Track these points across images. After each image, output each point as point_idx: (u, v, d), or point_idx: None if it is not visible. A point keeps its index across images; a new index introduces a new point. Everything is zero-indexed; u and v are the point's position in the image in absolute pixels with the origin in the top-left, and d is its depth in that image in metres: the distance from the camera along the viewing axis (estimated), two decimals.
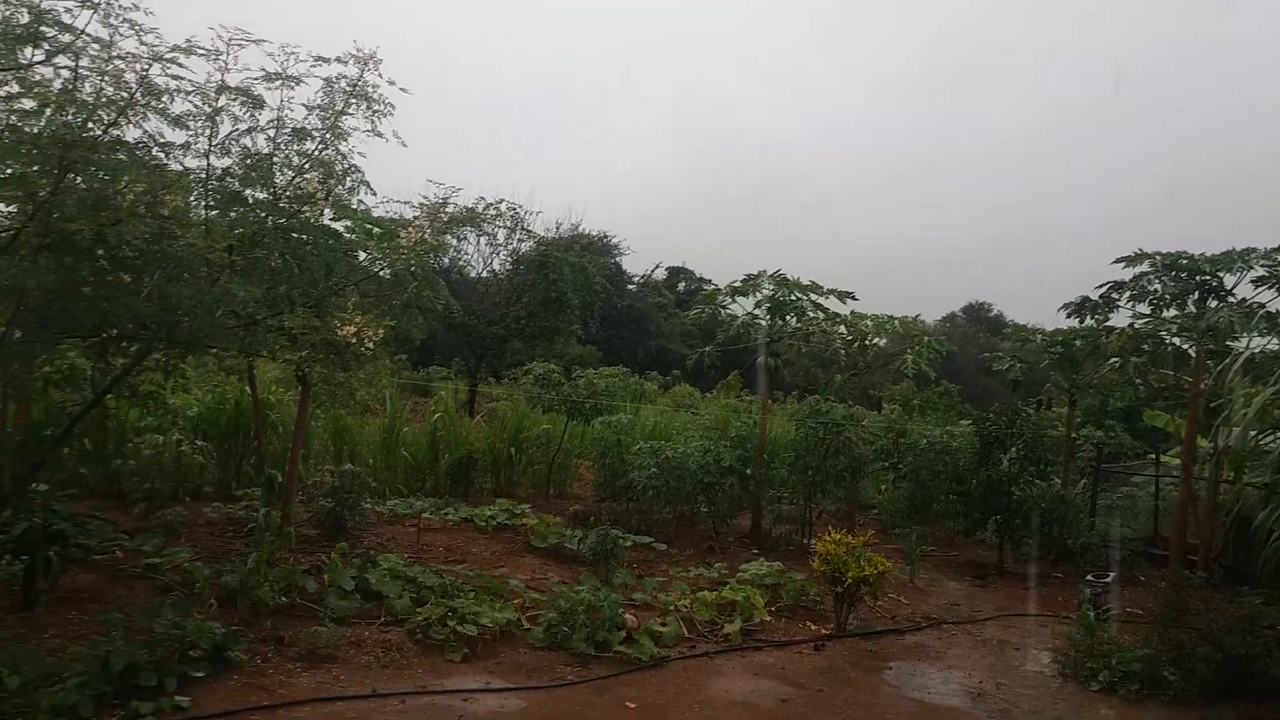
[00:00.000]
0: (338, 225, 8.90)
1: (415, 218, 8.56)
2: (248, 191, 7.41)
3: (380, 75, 7.31)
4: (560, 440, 15.31)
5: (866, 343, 15.38)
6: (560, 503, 14.55)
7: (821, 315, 14.41)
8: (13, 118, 6.01)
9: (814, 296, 14.10)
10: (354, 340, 7.55)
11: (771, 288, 13.95)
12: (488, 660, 7.46)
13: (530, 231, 25.14)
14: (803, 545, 12.76)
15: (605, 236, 44.85)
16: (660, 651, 7.98)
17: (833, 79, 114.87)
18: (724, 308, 14.99)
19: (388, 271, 8.51)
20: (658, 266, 55.26)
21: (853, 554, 9.08)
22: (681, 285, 57.10)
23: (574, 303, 23.95)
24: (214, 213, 7.40)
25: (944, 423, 18.67)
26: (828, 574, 9.13)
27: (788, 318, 14.19)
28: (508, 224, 24.03)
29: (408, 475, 13.97)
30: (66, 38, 6.01)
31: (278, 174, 7.32)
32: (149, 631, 6.48)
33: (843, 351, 15.61)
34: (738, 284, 14.35)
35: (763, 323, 14.31)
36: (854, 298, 14.35)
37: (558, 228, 30.88)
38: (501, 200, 22.93)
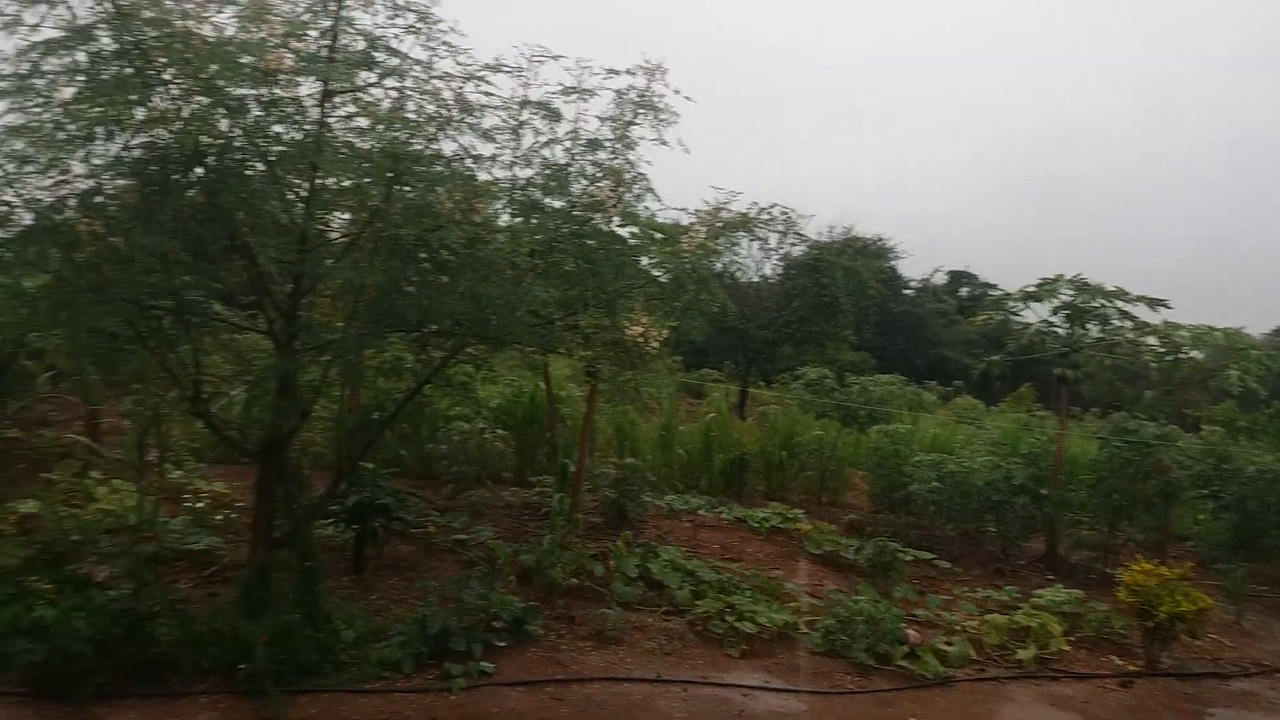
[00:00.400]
0: (622, 231, 9.28)
1: (692, 223, 8.72)
2: (546, 200, 7.89)
3: (666, 85, 7.53)
4: (833, 447, 15.05)
5: (1181, 356, 13.80)
6: (833, 511, 14.31)
7: (1129, 324, 13.10)
8: (349, 136, 6.78)
9: (1120, 303, 12.85)
10: (641, 339, 7.84)
11: (1070, 293, 12.88)
12: (765, 659, 7.48)
13: (802, 235, 24.82)
14: (1104, 574, 11.67)
15: (880, 239, 43.42)
16: (946, 671, 7.64)
17: (1157, 62, 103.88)
18: (1014, 314, 14.05)
19: (668, 275, 8.75)
20: (937, 270, 52.79)
21: (1166, 587, 8.21)
22: (964, 290, 54.17)
23: (846, 307, 23.43)
24: (517, 220, 7.95)
25: (1276, 448, 16.37)
26: (1136, 606, 8.32)
27: (1088, 326, 13.05)
28: (780, 228, 23.95)
29: (683, 472, 14.30)
30: (394, 61, 6.64)
31: (573, 183, 7.72)
32: (458, 601, 7.10)
33: (1153, 365, 14.13)
34: (1031, 289, 13.38)
35: (1059, 331, 13.27)
36: (1167, 306, 12.98)
37: (830, 231, 30.23)
38: (774, 204, 23.00)
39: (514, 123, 7.28)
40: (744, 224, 9.66)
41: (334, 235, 7.40)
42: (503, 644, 6.92)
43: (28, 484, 8.84)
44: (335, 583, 7.78)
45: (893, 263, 44.30)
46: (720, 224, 8.80)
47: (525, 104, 7.20)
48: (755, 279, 26.64)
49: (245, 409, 9.54)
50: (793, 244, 25.29)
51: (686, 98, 7.53)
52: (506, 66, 6.88)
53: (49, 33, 5.55)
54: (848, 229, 31.54)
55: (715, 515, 12.30)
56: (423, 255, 6.78)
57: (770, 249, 25.72)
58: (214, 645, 6.14)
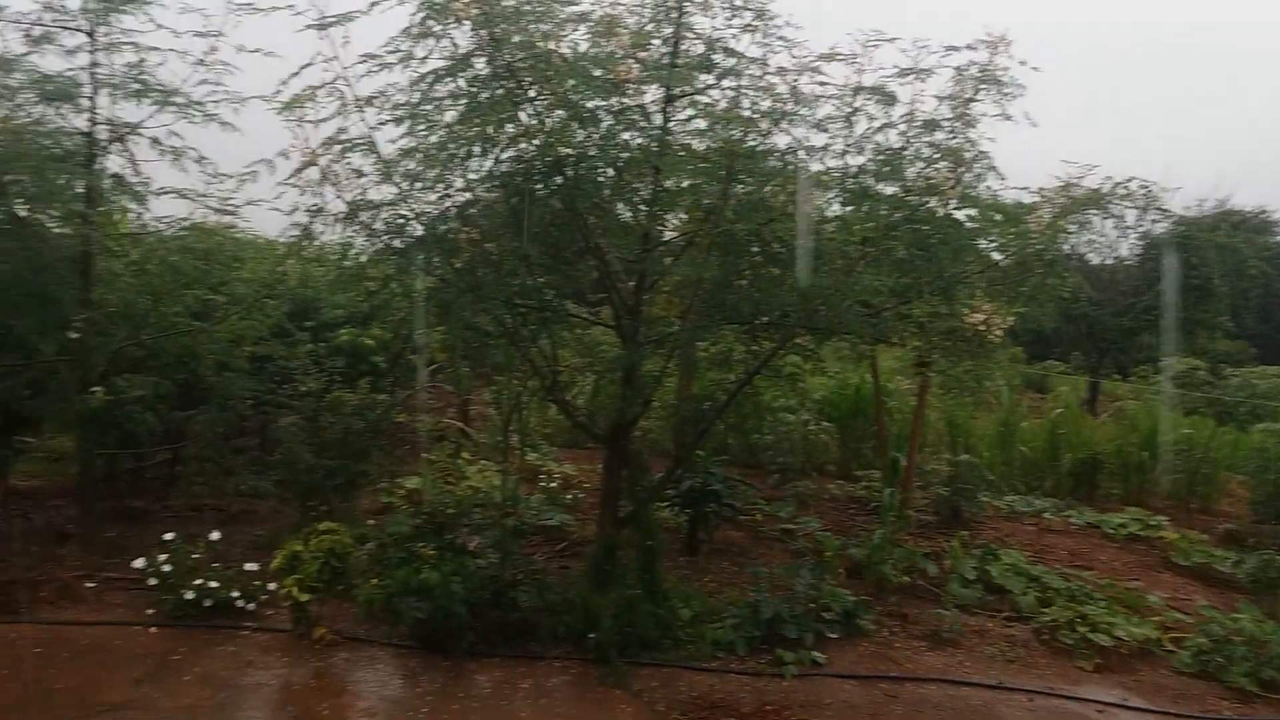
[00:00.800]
0: (958, 214, 8.84)
1: (1036, 202, 8.14)
2: (879, 186, 7.70)
3: (1010, 56, 7.07)
4: (1205, 447, 13.35)
5: None
6: (1203, 519, 12.72)
7: None
8: (687, 137, 7.05)
9: None
10: (982, 328, 7.44)
11: None
12: (1122, 675, 6.86)
13: (1166, 210, 22.12)
14: None
15: (1263, 212, 37.63)
16: None
17: None
18: None
19: (1010, 258, 8.23)
20: None
21: None
22: None
23: (1221, 290, 20.63)
24: (848, 209, 7.84)
25: None
26: None
27: None
28: (1139, 203, 21.53)
29: (1024, 472, 13.40)
30: (730, 61, 6.81)
31: (907, 167, 7.48)
32: (788, 589, 7.21)
33: None
34: None
35: None
36: None
37: (1200, 205, 26.62)
38: (1131, 178, 20.71)
39: (847, 110, 7.15)
40: (1097, 200, 8.90)
41: (670, 234, 7.78)
42: (833, 635, 6.93)
43: (412, 463, 10.20)
44: (670, 563, 8.19)
45: None
46: (1070, 201, 8.18)
47: (859, 90, 7.04)
48: (1109, 261, 24.22)
49: (592, 397, 10.32)
50: (1154, 220, 22.68)
51: (1033, 68, 7.03)
52: (841, 55, 6.77)
53: (434, 64, 6.34)
54: (1221, 201, 27.62)
55: (1062, 519, 11.44)
56: (754, 249, 6.92)
57: (1127, 227, 23.24)
58: (566, 614, 6.74)
